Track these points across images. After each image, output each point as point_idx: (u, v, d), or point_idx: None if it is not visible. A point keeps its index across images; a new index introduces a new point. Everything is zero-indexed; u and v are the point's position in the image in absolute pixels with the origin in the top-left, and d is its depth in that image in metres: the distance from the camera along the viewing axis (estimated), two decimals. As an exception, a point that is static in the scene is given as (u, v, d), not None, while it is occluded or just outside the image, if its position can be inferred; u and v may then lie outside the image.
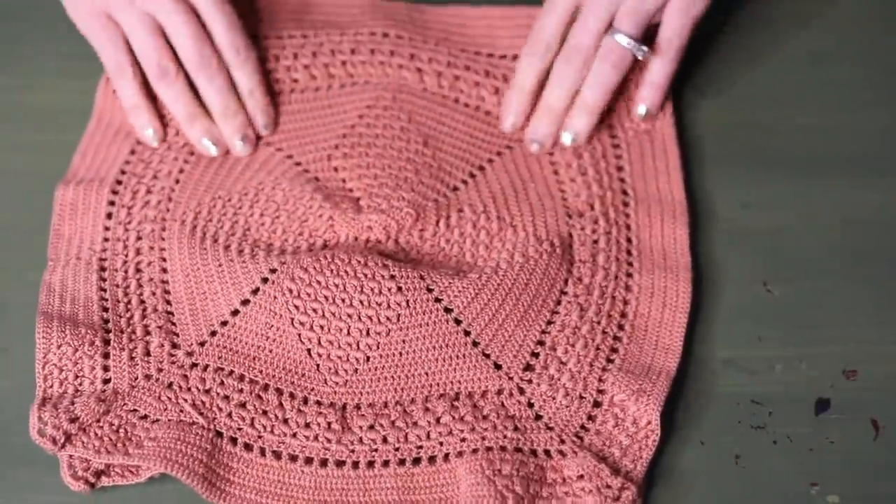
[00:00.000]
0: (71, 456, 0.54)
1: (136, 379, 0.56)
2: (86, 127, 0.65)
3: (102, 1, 0.61)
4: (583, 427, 0.55)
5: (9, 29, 0.69)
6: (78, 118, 0.66)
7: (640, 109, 0.64)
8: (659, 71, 0.63)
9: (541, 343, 0.57)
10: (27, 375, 0.57)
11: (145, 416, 0.55)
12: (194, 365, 0.56)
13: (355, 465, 0.54)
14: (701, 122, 0.66)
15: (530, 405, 0.55)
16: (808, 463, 0.55)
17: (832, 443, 0.56)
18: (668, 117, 0.65)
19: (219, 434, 0.54)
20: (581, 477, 0.53)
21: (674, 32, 0.62)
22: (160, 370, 0.56)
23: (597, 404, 0.55)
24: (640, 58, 0.62)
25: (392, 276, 0.57)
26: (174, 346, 0.57)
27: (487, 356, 0.56)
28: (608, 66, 0.62)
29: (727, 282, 0.60)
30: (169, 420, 0.54)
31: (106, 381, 0.56)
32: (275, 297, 0.57)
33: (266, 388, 0.55)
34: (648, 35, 0.63)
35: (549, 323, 0.58)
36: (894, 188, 0.63)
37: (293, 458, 0.54)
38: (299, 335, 0.56)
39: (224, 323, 0.57)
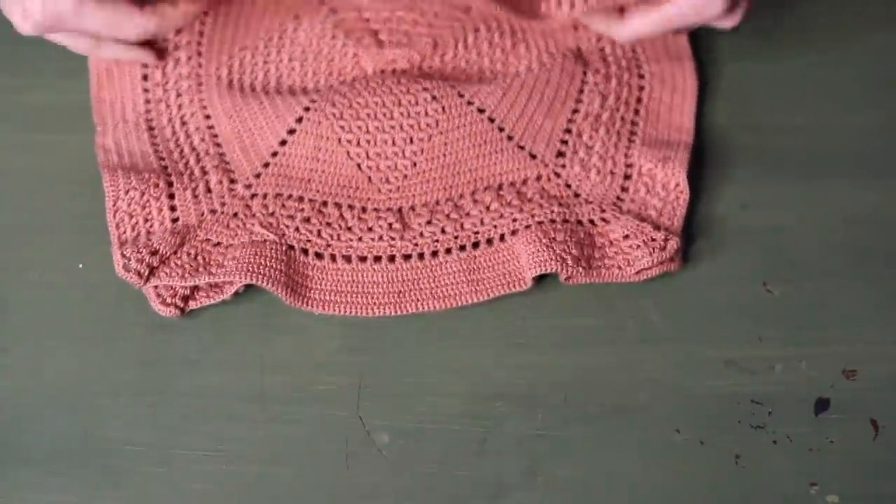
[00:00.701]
0: (156, 287, 0.58)
1: (203, 214, 0.60)
2: (86, 127, 0.65)
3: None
4: (618, 198, 0.61)
5: (9, 29, 0.69)
6: (78, 118, 0.66)
7: None
8: None
9: (568, 131, 0.63)
10: (27, 375, 0.58)
11: (219, 244, 0.59)
12: (254, 195, 0.60)
13: (420, 256, 0.59)
14: (701, 122, 0.66)
15: (568, 186, 0.61)
16: (808, 463, 0.56)
17: (832, 443, 0.56)
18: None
19: (290, 247, 0.59)
20: (627, 237, 0.58)
21: None
22: (223, 203, 0.60)
23: (627, 177, 0.61)
24: None
25: (426, 89, 0.62)
26: (232, 181, 0.61)
27: (522, 148, 0.62)
28: None
29: (727, 282, 0.60)
30: (242, 242, 0.59)
31: (174, 220, 0.60)
32: (319, 122, 0.61)
33: (325, 203, 0.60)
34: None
35: (575, 112, 0.63)
36: (894, 188, 0.63)
37: (362, 259, 0.59)
38: (348, 152, 0.61)
39: (274, 154, 0.61)
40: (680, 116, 0.64)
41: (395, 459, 0.56)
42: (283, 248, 0.58)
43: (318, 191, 0.61)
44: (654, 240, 0.58)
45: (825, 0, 0.69)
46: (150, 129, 0.64)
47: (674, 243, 0.58)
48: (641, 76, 0.66)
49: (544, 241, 0.58)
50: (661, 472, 0.56)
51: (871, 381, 0.58)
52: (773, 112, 0.66)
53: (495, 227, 0.60)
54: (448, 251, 0.59)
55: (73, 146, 0.64)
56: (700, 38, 0.68)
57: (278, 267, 0.57)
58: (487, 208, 0.60)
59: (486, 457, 0.56)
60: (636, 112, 0.64)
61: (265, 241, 0.58)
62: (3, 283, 0.61)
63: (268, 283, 0.57)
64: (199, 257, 0.58)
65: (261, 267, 0.57)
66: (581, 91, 0.64)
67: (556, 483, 0.56)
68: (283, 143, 0.62)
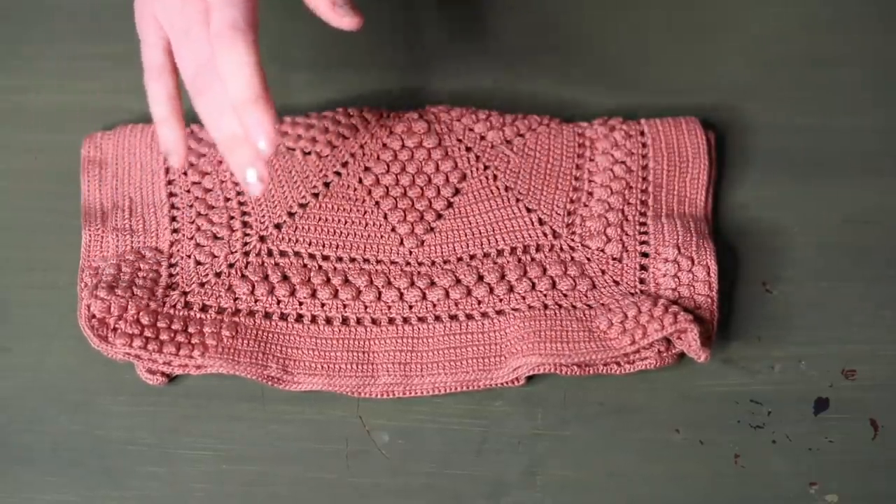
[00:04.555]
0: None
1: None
2: (86, 127, 0.65)
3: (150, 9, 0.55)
4: (640, 280, 0.59)
5: (9, 29, 0.69)
6: (78, 118, 0.66)
7: None
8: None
9: (572, 201, 0.61)
10: (28, 375, 0.58)
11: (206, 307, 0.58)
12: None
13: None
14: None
15: (588, 259, 0.59)
16: (808, 462, 0.56)
17: (831, 442, 0.56)
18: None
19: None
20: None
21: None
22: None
23: (644, 255, 0.60)
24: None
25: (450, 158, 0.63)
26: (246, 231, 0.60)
27: (530, 210, 0.61)
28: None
29: (727, 282, 0.60)
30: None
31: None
32: (347, 186, 0.62)
33: (340, 259, 0.60)
34: None
35: (577, 179, 0.62)
36: (894, 188, 0.63)
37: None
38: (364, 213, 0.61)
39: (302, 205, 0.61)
40: (692, 190, 0.62)
41: (395, 459, 0.56)
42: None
43: (340, 246, 0.60)
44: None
45: (825, 0, 0.69)
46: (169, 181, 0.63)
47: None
48: (644, 145, 0.63)
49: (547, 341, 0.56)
50: (661, 472, 0.56)
51: (871, 381, 0.58)
52: (773, 112, 0.66)
53: (500, 300, 0.58)
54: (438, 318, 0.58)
55: (73, 146, 0.64)
56: (700, 40, 0.68)
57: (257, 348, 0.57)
58: (502, 276, 0.58)
59: (485, 456, 0.56)
60: (644, 179, 0.62)
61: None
62: (3, 283, 0.61)
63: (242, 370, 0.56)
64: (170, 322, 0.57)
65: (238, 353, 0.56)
66: (581, 156, 0.63)
67: (556, 482, 0.56)
68: (304, 205, 0.61)
